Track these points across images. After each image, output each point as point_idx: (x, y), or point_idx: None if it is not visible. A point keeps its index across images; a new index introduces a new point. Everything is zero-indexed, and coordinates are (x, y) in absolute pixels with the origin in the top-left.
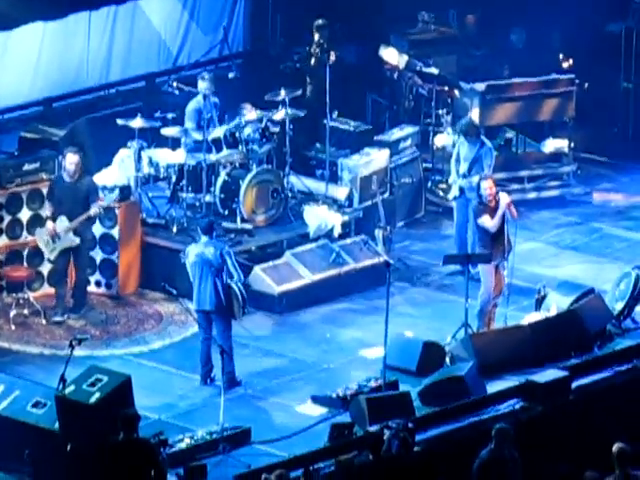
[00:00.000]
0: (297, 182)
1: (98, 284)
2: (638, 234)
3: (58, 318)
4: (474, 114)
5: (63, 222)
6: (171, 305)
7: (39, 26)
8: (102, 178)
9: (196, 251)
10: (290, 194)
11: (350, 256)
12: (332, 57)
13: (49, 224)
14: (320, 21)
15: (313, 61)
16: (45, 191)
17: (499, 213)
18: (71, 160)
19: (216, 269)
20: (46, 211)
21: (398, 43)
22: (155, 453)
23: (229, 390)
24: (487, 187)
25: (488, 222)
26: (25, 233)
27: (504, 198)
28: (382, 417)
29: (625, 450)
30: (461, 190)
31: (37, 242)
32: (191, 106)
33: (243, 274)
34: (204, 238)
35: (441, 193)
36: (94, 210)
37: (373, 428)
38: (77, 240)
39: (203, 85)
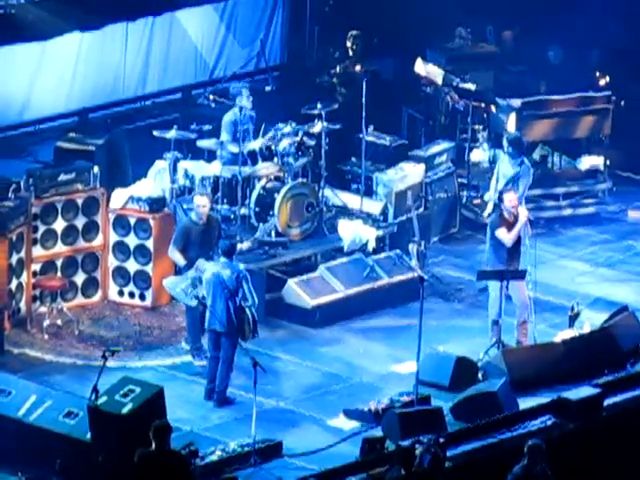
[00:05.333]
0: (332, 196)
1: (132, 295)
2: None
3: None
4: (510, 130)
5: (205, 265)
6: None
7: (76, 36)
8: (137, 190)
9: (213, 270)
10: (325, 208)
11: (384, 271)
12: (358, 68)
13: (191, 272)
14: (354, 32)
15: (345, 74)
16: (80, 202)
17: (517, 227)
18: (200, 202)
19: (229, 292)
20: (178, 258)
21: (435, 58)
22: (186, 465)
23: (220, 408)
24: (509, 200)
25: (505, 236)
26: (60, 243)
27: (522, 212)
28: (414, 432)
29: None
30: (495, 207)
31: (170, 292)
32: (227, 118)
33: (277, 287)
34: (223, 259)
35: (476, 209)
36: (246, 245)
37: (405, 443)
38: None
39: (243, 101)
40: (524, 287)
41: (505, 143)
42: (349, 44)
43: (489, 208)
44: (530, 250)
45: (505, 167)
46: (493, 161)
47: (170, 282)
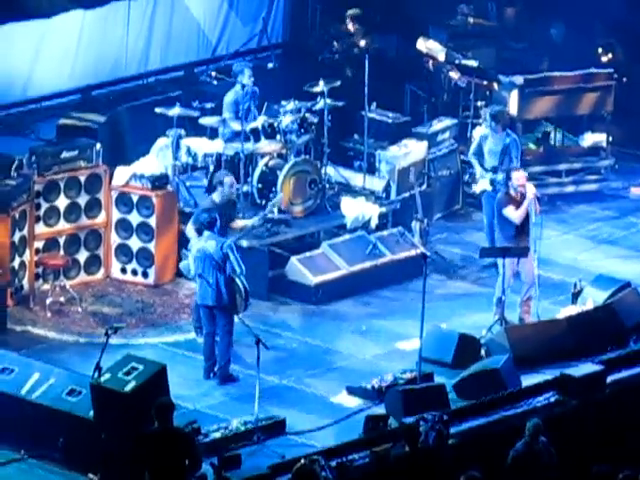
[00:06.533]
0: (334, 173)
1: (134, 273)
2: None
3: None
4: (512, 107)
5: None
6: None
7: (79, 14)
8: (140, 167)
9: (198, 246)
10: (327, 185)
11: (387, 248)
12: (362, 44)
13: None
14: (351, 12)
15: (347, 52)
16: (83, 180)
17: (525, 204)
18: (230, 182)
19: (217, 264)
20: (190, 233)
21: (437, 35)
22: (190, 442)
23: (223, 385)
24: (518, 177)
25: (513, 213)
26: (62, 221)
27: (530, 189)
28: (417, 409)
29: None
30: (492, 183)
31: (186, 275)
32: (229, 96)
33: (279, 264)
34: (206, 233)
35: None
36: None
37: (408, 420)
38: None
39: (244, 79)
40: (532, 264)
41: (488, 118)
42: (350, 26)
43: (482, 185)
44: (537, 227)
45: (490, 143)
46: None
47: (186, 265)
